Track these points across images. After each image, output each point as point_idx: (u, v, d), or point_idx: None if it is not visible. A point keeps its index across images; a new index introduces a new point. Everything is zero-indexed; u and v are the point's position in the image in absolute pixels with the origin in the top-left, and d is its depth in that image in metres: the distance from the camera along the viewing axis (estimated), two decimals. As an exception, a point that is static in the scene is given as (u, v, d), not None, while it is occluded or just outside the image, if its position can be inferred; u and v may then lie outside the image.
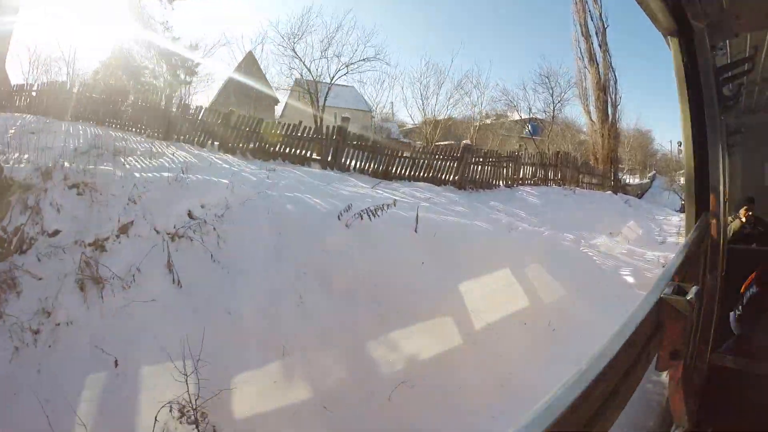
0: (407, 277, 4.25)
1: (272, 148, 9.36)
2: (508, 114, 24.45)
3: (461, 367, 3.64)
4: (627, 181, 21.68)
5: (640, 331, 0.73)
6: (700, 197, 1.77)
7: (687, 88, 1.78)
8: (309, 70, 19.78)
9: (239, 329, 3.61)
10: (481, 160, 11.09)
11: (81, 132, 7.54)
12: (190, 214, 4.59)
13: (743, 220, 4.06)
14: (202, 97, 22.46)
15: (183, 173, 5.28)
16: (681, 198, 18.89)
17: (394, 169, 9.92)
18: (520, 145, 19.96)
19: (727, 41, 2.27)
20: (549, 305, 4.46)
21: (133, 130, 9.70)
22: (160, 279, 3.98)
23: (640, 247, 7.73)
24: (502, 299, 4.34)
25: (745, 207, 4.04)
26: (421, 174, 10.17)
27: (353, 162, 9.70)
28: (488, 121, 24.26)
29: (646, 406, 1.19)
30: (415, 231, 4.87)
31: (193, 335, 3.20)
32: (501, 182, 11.60)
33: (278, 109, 23.34)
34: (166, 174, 5.18)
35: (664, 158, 26.50)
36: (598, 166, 17.06)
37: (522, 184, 11.99)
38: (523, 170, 12.43)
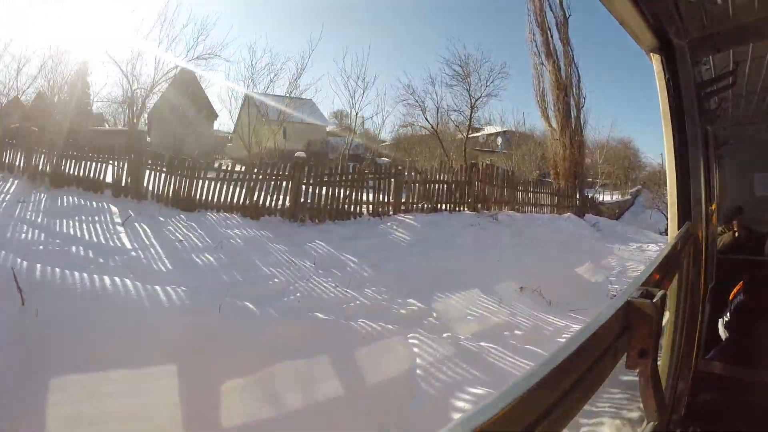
0: None
1: (68, 171, 8.26)
2: (483, 128, 21.73)
3: None
4: (601, 199, 18.60)
5: (607, 329, 0.80)
6: (682, 208, 1.85)
7: (669, 103, 1.87)
8: (125, 74, 17.93)
9: None
10: (325, 179, 8.34)
11: None
12: None
13: (735, 230, 4.13)
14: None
15: None
16: (667, 218, 17.21)
17: (199, 194, 7.96)
18: (490, 161, 18.20)
19: (711, 56, 2.37)
20: None
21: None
22: None
23: (569, 312, 4.86)
24: None
25: (735, 218, 4.11)
26: (238, 201, 8.00)
27: (153, 186, 8.07)
28: (459, 137, 21.74)
29: (627, 403, 1.25)
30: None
31: None
32: (366, 209, 8.66)
33: (219, 124, 22.35)
34: None
35: (652, 172, 23.53)
36: (559, 182, 14.30)
37: (407, 210, 8.80)
38: (415, 191, 9.11)
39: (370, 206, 8.73)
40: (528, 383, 0.55)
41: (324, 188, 8.32)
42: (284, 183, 8.13)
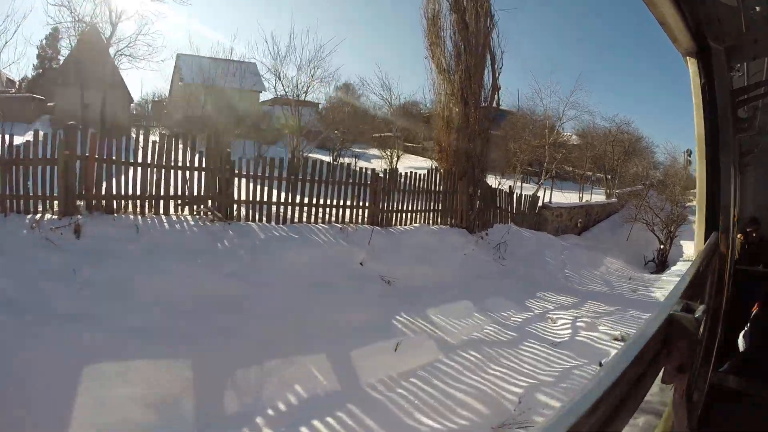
0: None
1: None
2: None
3: None
4: (547, 199, 11.93)
5: (650, 345, 0.77)
6: (710, 217, 1.81)
7: (703, 108, 1.82)
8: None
9: None
10: None
11: None
12: None
13: (750, 240, 4.06)
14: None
15: None
16: (660, 239, 11.62)
17: None
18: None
19: (745, 63, 2.30)
20: None
21: None
22: None
23: None
24: None
25: (750, 228, 4.04)
26: None
27: None
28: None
29: (652, 417, 1.23)
30: None
31: None
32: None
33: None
34: None
35: (668, 170, 18.32)
36: (443, 163, 8.17)
37: None
38: None
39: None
40: (585, 403, 0.53)
41: None
42: None
